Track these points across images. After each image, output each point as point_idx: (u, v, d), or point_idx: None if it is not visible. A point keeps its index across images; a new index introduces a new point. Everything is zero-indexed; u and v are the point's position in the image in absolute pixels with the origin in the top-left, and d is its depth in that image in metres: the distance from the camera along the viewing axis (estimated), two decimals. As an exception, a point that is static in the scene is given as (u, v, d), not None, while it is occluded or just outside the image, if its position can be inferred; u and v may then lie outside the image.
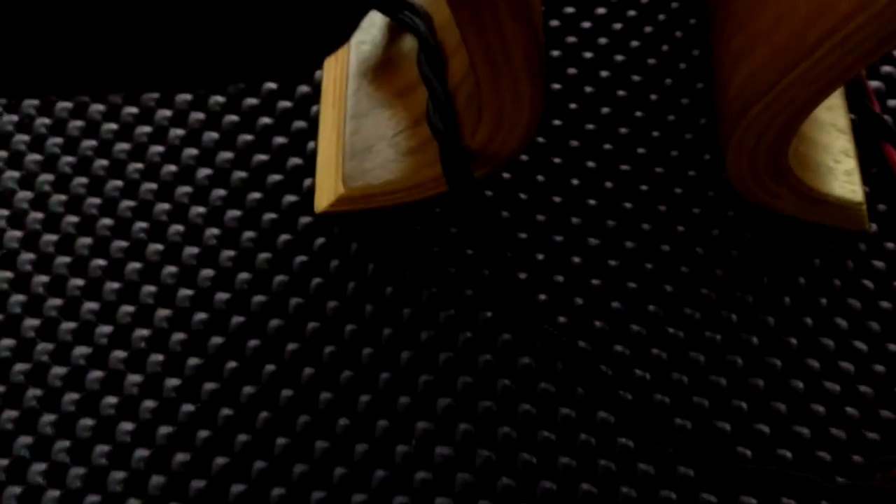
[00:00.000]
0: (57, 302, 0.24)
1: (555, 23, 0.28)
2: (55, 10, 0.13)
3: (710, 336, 0.24)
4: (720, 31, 0.22)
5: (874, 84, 0.28)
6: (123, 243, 0.24)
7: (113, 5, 0.13)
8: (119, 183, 0.25)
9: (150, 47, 0.14)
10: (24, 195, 0.25)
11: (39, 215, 0.25)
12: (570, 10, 0.28)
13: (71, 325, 0.23)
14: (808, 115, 0.19)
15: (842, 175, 0.24)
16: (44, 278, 0.24)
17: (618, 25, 0.28)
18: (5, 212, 0.25)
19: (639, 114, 0.26)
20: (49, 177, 0.25)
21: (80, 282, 0.24)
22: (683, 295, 0.24)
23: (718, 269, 0.25)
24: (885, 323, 0.24)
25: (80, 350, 0.23)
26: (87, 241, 0.24)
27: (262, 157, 0.26)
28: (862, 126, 0.26)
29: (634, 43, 0.28)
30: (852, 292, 0.24)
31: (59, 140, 0.26)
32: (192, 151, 0.26)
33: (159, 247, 0.24)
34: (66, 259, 0.24)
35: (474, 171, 0.22)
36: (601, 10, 0.28)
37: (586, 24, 0.28)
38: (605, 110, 0.27)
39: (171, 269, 0.24)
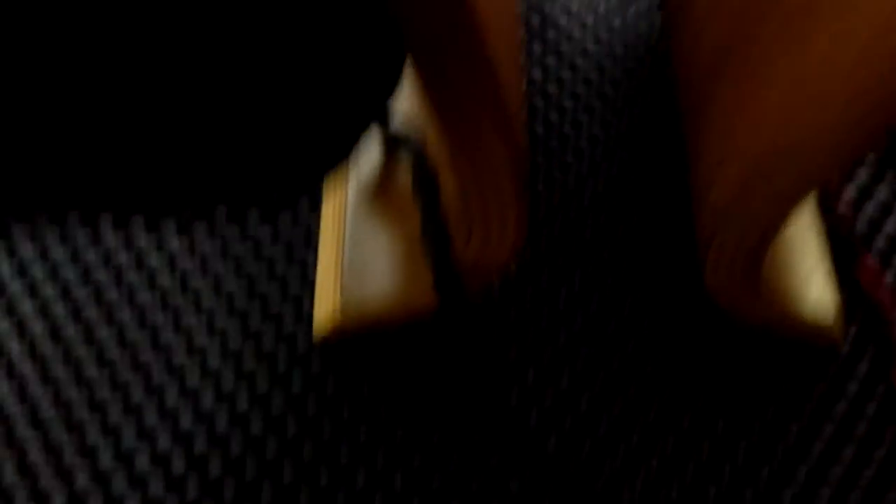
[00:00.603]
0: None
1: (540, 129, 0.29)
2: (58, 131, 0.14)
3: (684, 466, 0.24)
4: (697, 150, 0.23)
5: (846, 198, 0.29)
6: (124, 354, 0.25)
7: (116, 137, 0.14)
8: (130, 314, 0.26)
9: (149, 171, 0.16)
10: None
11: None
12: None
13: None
14: (782, 228, 0.20)
15: (814, 291, 0.25)
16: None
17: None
18: None
19: (615, 238, 0.28)
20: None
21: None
22: (661, 425, 0.25)
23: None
24: (859, 448, 0.24)
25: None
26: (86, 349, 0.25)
27: (267, 283, 0.27)
28: (833, 244, 0.28)
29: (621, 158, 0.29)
30: (834, 400, 0.25)
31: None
32: (198, 276, 0.27)
33: (167, 377, 0.25)
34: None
35: (466, 284, 0.23)
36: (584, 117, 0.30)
37: (567, 130, 0.30)
38: (592, 223, 0.28)
39: (173, 393, 0.25)
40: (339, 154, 0.17)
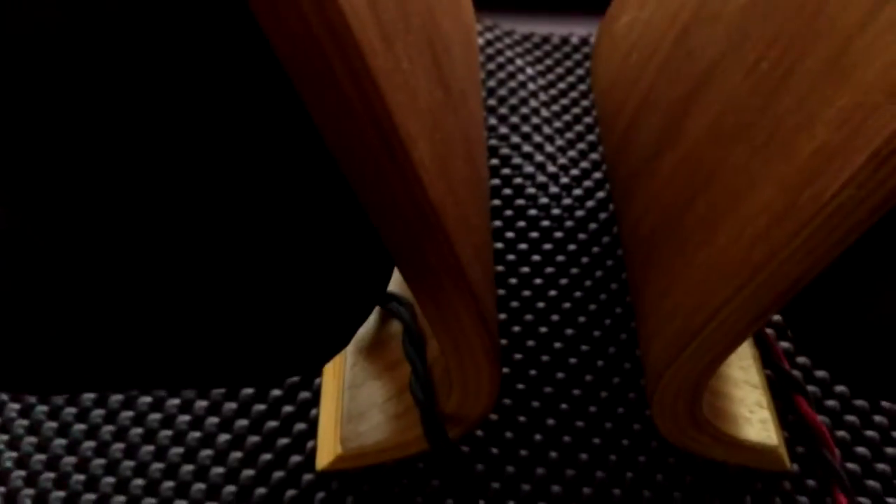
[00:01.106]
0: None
1: (515, 304, 0.34)
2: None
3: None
4: (639, 314, 0.27)
5: (784, 345, 0.33)
6: (152, 500, 0.28)
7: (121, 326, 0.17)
8: (151, 448, 0.30)
9: (163, 351, 0.19)
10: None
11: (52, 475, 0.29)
12: (526, 293, 0.34)
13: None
14: (710, 377, 0.24)
15: (757, 423, 0.29)
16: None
17: (567, 304, 0.34)
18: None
19: (583, 382, 0.32)
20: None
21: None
22: (635, 533, 0.28)
23: (665, 509, 0.29)
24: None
25: None
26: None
27: (273, 423, 0.30)
28: (777, 381, 0.32)
29: (582, 318, 0.33)
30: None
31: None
32: (214, 420, 0.30)
33: (184, 502, 0.28)
34: (102, 519, 0.28)
35: (450, 430, 0.26)
36: (552, 293, 0.34)
37: (540, 304, 0.34)
38: (560, 375, 0.32)
39: (192, 524, 0.28)
40: (338, 345, 0.21)
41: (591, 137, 0.40)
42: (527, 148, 0.39)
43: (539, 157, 0.39)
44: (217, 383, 0.20)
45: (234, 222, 0.16)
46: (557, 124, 0.40)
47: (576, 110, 0.41)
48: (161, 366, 0.18)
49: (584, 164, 0.39)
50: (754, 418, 0.29)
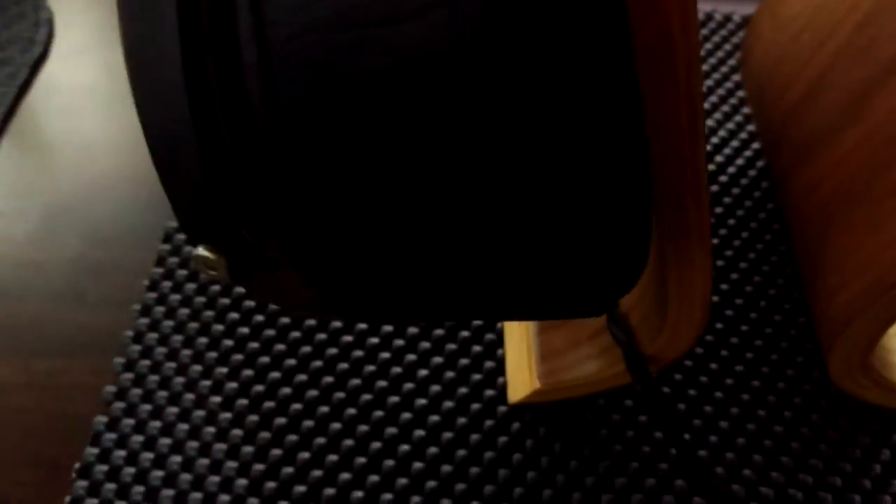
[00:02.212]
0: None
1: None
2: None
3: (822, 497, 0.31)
4: (816, 271, 0.31)
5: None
6: (365, 427, 0.32)
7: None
8: (357, 381, 0.33)
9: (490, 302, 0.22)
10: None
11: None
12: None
13: None
14: (890, 327, 0.28)
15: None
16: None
17: (720, 262, 0.37)
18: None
19: (744, 328, 0.35)
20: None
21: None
22: (798, 465, 0.32)
23: (821, 444, 0.32)
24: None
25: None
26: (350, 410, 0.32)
27: (465, 360, 0.34)
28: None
29: (734, 275, 0.37)
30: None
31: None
32: (412, 357, 0.34)
33: (393, 430, 0.32)
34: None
35: (651, 368, 0.30)
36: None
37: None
38: (719, 325, 0.35)
39: (405, 447, 0.32)
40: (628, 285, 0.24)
41: (724, 108, 0.43)
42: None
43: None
44: (535, 314, 0.23)
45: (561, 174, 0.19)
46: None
47: (708, 82, 0.44)
48: (494, 301, 0.21)
49: (721, 133, 0.42)
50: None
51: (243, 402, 0.33)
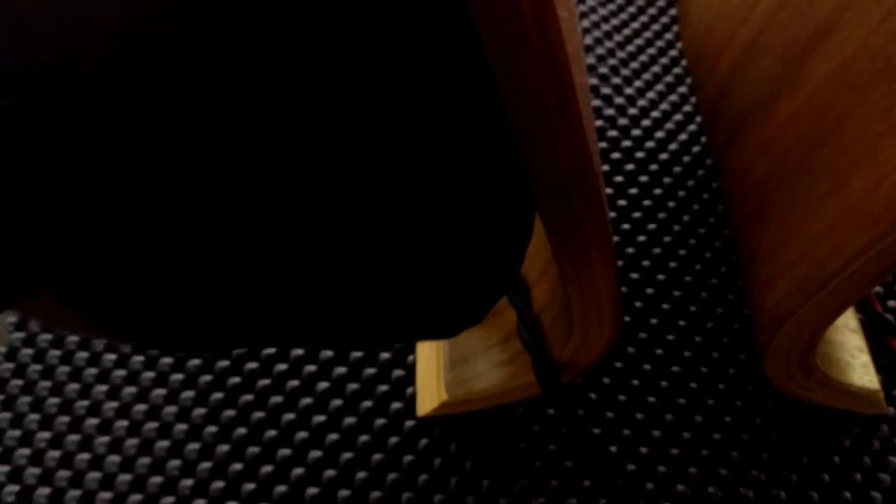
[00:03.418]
0: None
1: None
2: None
3: (765, 513, 0.28)
4: (750, 260, 0.27)
5: (876, 289, 0.33)
6: (256, 449, 0.29)
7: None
8: (250, 397, 0.30)
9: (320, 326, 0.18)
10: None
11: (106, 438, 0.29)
12: (615, 238, 0.34)
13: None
14: (831, 324, 0.24)
15: (859, 368, 0.29)
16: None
17: (657, 250, 0.34)
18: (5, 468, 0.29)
19: (681, 322, 0.32)
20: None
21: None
22: (738, 477, 0.28)
23: (764, 452, 0.29)
24: (913, 495, 0.28)
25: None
26: (224, 448, 0.29)
27: (371, 370, 0.31)
28: (869, 325, 0.32)
29: (672, 264, 0.33)
30: (881, 468, 0.29)
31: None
32: (311, 368, 0.31)
33: (287, 451, 0.29)
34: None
35: (562, 377, 0.27)
36: (641, 238, 0.34)
37: (629, 250, 0.34)
38: (653, 321, 0.32)
39: (298, 470, 0.28)
40: (476, 315, 0.21)
41: (668, 79, 0.39)
42: (605, 90, 0.38)
43: (618, 100, 0.38)
44: (364, 345, 0.20)
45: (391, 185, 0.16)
46: (634, 65, 0.40)
47: (651, 51, 0.40)
48: (317, 328, 0.18)
49: (664, 106, 0.38)
50: (856, 363, 0.29)
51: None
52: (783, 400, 0.30)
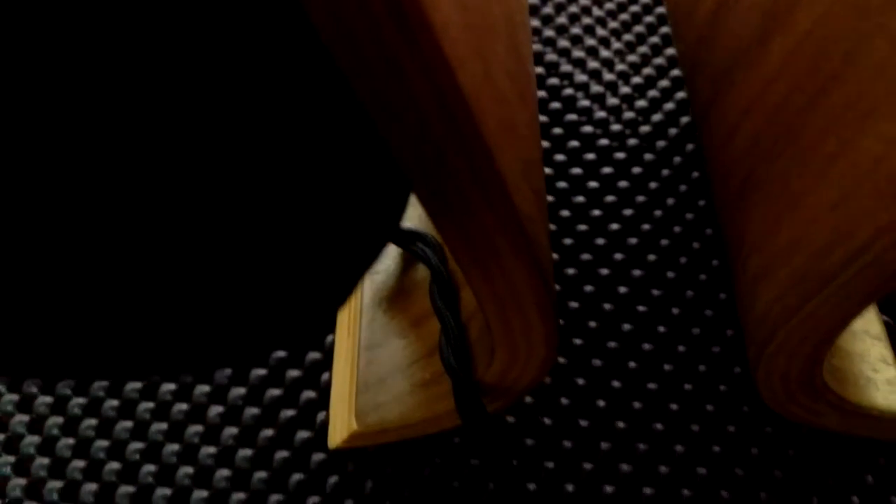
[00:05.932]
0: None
1: (568, 241, 0.28)
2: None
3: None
4: (736, 250, 0.21)
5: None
6: (130, 488, 0.23)
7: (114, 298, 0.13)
8: (129, 424, 0.24)
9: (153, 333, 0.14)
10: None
11: (45, 460, 0.24)
12: (582, 227, 0.28)
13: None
14: (839, 334, 0.18)
15: (883, 385, 0.23)
16: (45, 533, 0.23)
17: (633, 240, 0.28)
18: (12, 458, 0.24)
19: (661, 329, 0.26)
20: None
21: (82, 536, 0.23)
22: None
23: (762, 491, 0.23)
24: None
25: None
26: (92, 486, 0.23)
27: (276, 391, 0.25)
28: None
29: (651, 256, 0.27)
30: None
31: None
32: (204, 388, 0.25)
33: (167, 491, 0.23)
34: (70, 511, 0.23)
35: (490, 403, 0.21)
36: (615, 226, 0.28)
37: (599, 241, 0.28)
38: (627, 327, 0.26)
39: (179, 517, 0.23)
40: (347, 288, 0.16)
41: (654, 39, 0.33)
42: (578, 53, 0.32)
43: (593, 64, 0.32)
44: (215, 360, 0.15)
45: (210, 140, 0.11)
46: (613, 24, 0.34)
47: (634, 8, 0.34)
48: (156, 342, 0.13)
49: (647, 71, 0.32)
50: (879, 378, 0.23)
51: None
52: (787, 424, 0.24)
